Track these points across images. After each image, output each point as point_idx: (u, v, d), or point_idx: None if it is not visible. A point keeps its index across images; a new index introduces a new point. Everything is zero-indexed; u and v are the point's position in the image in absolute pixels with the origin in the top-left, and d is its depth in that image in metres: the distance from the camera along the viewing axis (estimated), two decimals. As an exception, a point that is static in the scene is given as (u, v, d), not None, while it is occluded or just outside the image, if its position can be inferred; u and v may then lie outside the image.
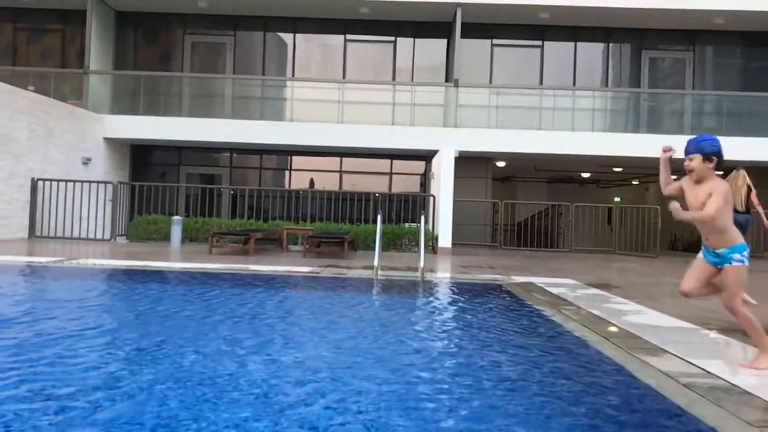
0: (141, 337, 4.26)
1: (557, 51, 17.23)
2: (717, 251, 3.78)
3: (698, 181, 3.79)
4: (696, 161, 3.74)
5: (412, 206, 15.72)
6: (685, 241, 18.65)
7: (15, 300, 5.77)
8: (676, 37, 17.31)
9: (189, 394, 3.00)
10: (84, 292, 6.38)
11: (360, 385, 3.25)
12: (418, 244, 9.67)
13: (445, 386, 3.32)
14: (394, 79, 17.33)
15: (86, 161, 14.55)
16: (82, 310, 5.29)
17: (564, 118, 15.93)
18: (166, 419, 2.65)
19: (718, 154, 3.72)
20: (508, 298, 6.64)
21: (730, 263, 3.73)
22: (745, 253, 3.74)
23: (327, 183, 17.17)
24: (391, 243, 13.40)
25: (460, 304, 6.38)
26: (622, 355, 3.98)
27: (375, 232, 9.69)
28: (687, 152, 3.79)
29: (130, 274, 7.99)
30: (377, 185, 16.81)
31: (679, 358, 3.88)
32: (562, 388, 3.35)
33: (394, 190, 16.95)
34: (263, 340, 4.28)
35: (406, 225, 14.06)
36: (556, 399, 3.14)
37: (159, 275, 7.85)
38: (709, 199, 3.69)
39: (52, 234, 12.86)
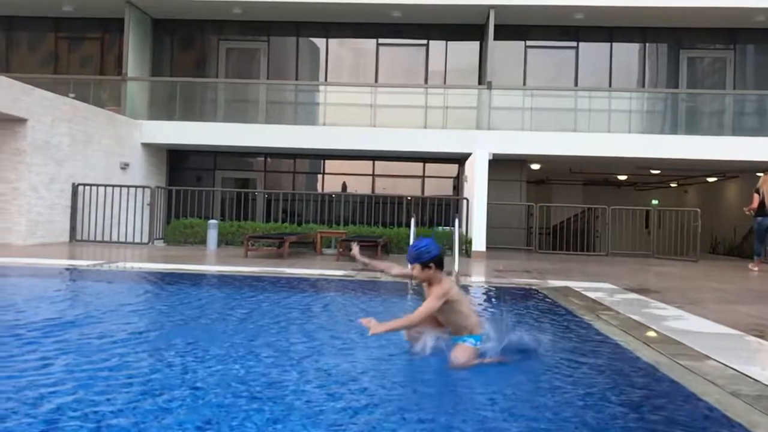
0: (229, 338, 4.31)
1: (592, 52, 16.99)
2: (454, 337, 3.85)
3: (429, 285, 3.88)
4: (416, 270, 3.88)
5: (446, 209, 15.66)
6: (726, 244, 18.20)
7: (72, 303, 5.91)
8: (716, 36, 16.91)
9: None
10: (135, 295, 6.52)
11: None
12: (452, 248, 9.61)
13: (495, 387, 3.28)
14: (426, 82, 17.30)
15: (124, 166, 14.86)
16: (134, 314, 5.40)
17: (600, 119, 15.69)
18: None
19: (434, 260, 3.81)
20: (545, 303, 6.54)
21: (463, 341, 3.78)
22: (478, 344, 3.77)
23: (360, 186, 17.22)
24: (425, 246, 13.32)
25: (497, 309, 6.32)
26: (664, 362, 3.89)
27: (408, 235, 9.66)
28: (409, 261, 3.90)
29: (174, 277, 8.09)
30: (410, 188, 16.79)
31: (724, 365, 3.78)
32: (604, 393, 3.28)
33: (427, 194, 16.91)
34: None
35: (440, 228, 13.99)
36: (598, 403, 3.09)
37: (199, 278, 7.95)
38: (422, 305, 3.75)
39: (91, 237, 13.14)
